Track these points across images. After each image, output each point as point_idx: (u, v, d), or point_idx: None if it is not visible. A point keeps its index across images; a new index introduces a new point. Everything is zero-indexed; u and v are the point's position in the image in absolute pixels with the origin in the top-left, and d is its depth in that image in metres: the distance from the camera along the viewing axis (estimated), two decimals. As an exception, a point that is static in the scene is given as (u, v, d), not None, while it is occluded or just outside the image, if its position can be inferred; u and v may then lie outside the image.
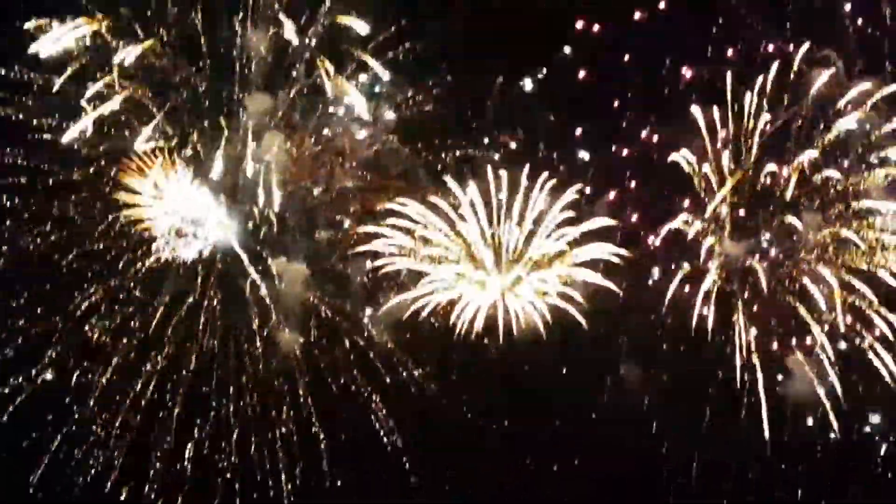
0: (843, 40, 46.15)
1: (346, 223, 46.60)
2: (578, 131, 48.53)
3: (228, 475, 46.05)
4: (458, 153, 47.09)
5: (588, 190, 47.02)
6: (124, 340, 45.47)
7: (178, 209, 44.89)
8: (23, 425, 45.49)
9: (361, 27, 44.90)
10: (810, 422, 46.95)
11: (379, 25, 45.06)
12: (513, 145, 47.89)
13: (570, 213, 46.29)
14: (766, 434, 46.54)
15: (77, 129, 43.39)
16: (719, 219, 46.84)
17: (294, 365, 45.99)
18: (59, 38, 43.12)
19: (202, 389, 45.70)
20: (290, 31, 44.50)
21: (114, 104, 43.49)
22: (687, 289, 46.94)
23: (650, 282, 47.67)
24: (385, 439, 46.81)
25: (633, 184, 48.23)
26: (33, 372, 45.00)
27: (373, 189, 46.70)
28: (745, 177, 46.67)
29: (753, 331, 46.73)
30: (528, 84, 48.41)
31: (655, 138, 47.71)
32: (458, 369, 47.36)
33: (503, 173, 46.05)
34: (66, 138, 43.61)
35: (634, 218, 47.55)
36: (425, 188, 46.38)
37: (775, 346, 46.86)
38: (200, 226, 45.30)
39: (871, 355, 45.71)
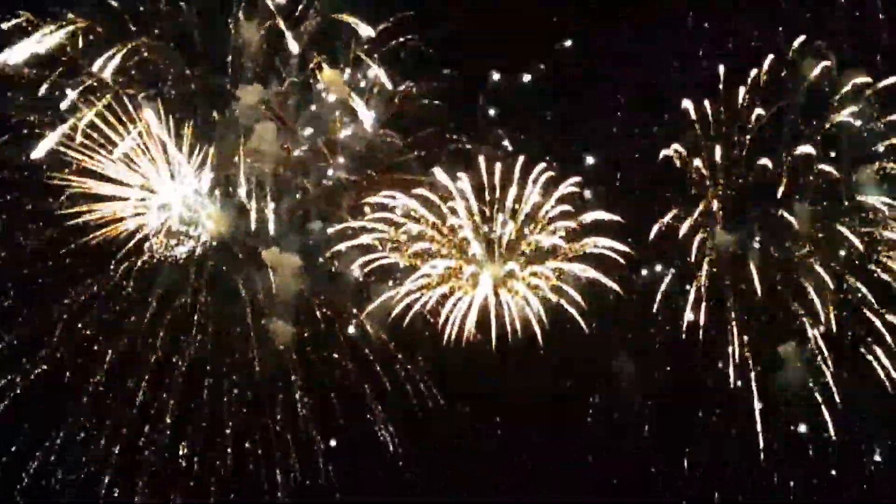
0: (837, 33, 46.26)
1: (338, 216, 46.30)
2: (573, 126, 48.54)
3: (223, 472, 45.65)
4: (451, 146, 46.99)
5: (583, 184, 46.80)
6: (118, 337, 45.09)
7: (171, 203, 44.57)
8: (15, 423, 44.91)
9: (365, 29, 45.00)
10: (803, 425, 47.02)
11: (375, 19, 45.05)
12: (508, 144, 47.66)
13: (566, 207, 46.17)
14: (759, 426, 46.64)
15: (50, 141, 43.00)
16: (711, 214, 46.81)
17: (288, 359, 45.66)
18: (40, 40, 42.92)
19: (196, 386, 45.26)
20: (283, 24, 44.46)
21: (96, 109, 43.22)
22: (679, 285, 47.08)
23: (640, 280, 47.50)
24: (380, 435, 46.52)
25: (626, 179, 48.37)
26: (26, 369, 44.52)
27: (365, 182, 46.52)
28: (737, 171, 46.69)
29: (746, 326, 46.73)
30: (525, 79, 48.40)
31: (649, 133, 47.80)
32: (451, 365, 46.84)
33: (497, 166, 46.00)
34: (36, 154, 43.08)
35: (628, 213, 47.33)
36: (418, 181, 46.14)
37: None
38: (193, 222, 44.99)
39: (864, 351, 45.79)
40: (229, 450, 45.33)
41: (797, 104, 46.22)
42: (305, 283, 45.83)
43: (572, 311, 45.86)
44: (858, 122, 45.82)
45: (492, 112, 48.09)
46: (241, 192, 44.64)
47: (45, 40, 42.85)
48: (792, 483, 47.38)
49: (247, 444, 45.52)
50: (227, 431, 45.24)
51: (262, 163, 44.71)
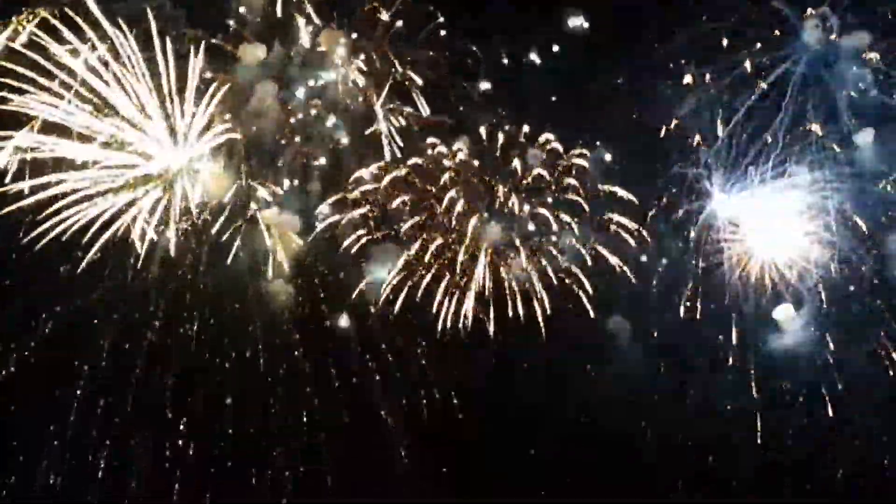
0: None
1: (336, 182, 45.51)
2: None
3: (217, 452, 44.53)
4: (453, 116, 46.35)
5: (587, 156, 46.28)
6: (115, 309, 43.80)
7: (170, 168, 43.33)
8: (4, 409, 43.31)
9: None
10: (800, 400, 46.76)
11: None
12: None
13: (570, 181, 45.77)
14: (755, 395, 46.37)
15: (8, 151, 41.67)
16: (710, 185, 46.59)
17: (286, 322, 44.94)
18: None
19: (197, 357, 44.07)
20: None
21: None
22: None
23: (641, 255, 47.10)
24: (380, 416, 45.81)
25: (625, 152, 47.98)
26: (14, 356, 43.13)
27: (364, 149, 45.74)
28: (737, 142, 46.60)
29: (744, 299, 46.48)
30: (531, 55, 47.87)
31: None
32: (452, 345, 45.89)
33: (500, 136, 45.55)
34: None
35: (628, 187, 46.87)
36: (417, 149, 45.44)
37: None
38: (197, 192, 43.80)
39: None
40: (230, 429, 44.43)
41: (799, 73, 46.19)
42: (304, 246, 45.00)
43: (578, 291, 45.48)
44: (860, 91, 45.89)
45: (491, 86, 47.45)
46: (241, 154, 43.79)
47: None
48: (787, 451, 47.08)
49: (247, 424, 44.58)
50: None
51: (262, 124, 43.98)
